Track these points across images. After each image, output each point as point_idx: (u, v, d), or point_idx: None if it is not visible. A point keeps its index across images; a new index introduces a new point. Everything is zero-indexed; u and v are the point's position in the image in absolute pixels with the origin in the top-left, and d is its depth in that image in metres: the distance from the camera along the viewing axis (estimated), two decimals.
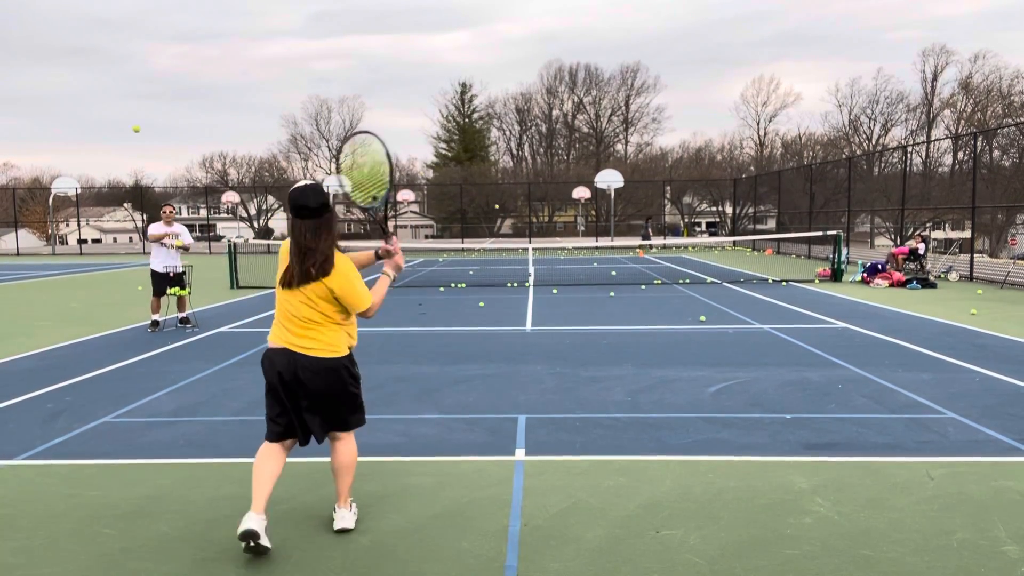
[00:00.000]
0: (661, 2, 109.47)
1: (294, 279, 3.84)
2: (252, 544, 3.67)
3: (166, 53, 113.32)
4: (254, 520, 3.67)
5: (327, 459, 5.19)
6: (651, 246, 35.74)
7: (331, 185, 43.59)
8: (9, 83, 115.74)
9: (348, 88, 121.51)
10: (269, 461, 3.90)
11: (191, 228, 73.73)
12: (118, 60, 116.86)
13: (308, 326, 3.88)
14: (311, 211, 3.80)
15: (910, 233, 30.07)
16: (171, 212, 11.41)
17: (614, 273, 21.76)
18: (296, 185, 3.88)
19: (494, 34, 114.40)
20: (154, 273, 11.27)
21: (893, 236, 21.77)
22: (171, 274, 11.26)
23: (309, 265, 3.80)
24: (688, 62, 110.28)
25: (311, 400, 3.89)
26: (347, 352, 3.99)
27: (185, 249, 11.35)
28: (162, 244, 11.19)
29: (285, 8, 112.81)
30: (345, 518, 4.07)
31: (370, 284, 3.98)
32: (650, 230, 38.30)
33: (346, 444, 4.06)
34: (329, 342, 3.90)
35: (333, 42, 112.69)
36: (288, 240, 3.90)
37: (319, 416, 3.94)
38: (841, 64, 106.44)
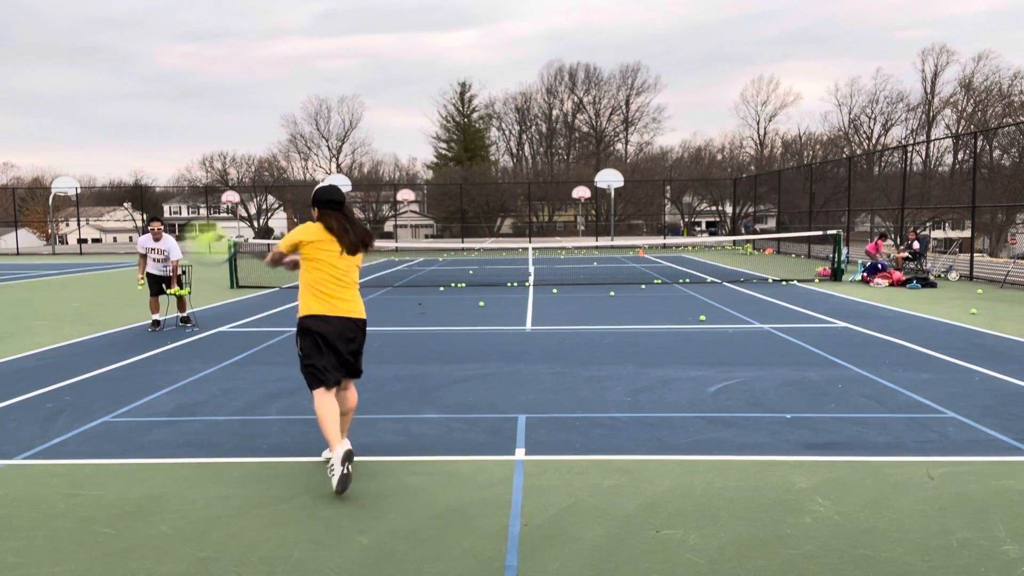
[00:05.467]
0: (670, 0, 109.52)
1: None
2: (348, 471, 4.51)
3: (173, 52, 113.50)
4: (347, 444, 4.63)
5: (326, 458, 5.17)
6: (752, 242, 35.12)
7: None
8: (11, 82, 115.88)
9: (354, 87, 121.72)
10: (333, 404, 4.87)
11: (191, 228, 73.77)
12: (124, 59, 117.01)
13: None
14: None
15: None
16: (159, 229, 11.26)
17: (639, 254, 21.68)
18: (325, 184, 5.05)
19: (501, 33, 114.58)
20: (148, 275, 11.30)
21: (894, 236, 21.76)
22: (169, 275, 11.28)
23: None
24: (695, 60, 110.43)
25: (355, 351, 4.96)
26: None
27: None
28: (154, 261, 11.20)
29: (292, 7, 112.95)
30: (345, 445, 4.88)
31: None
32: (755, 226, 38.15)
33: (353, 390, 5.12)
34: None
35: (340, 41, 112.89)
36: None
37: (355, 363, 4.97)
38: (848, 63, 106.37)
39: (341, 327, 4.82)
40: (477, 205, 59.52)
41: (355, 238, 4.90)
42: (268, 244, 40.78)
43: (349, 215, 4.97)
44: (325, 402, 4.75)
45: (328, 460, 4.70)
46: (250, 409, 6.59)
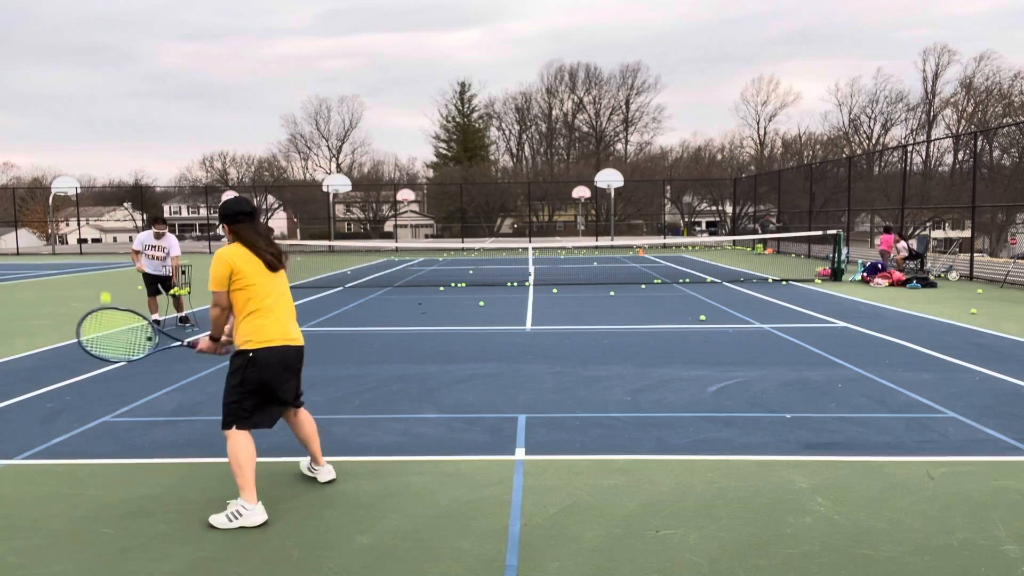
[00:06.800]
0: (670, 0, 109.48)
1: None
2: None
3: (173, 52, 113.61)
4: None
5: (328, 458, 5.15)
6: (764, 241, 34.87)
7: (331, 184, 43.66)
8: (11, 83, 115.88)
9: (355, 87, 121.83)
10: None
11: (191, 228, 73.89)
12: (125, 59, 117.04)
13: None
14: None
15: (909, 233, 30.06)
16: (163, 228, 11.36)
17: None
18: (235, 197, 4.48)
19: (502, 32, 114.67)
20: (145, 274, 11.35)
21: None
22: (169, 276, 11.30)
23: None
24: (695, 60, 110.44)
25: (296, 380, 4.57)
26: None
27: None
28: (153, 258, 11.21)
29: (293, 7, 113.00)
30: (331, 471, 4.78)
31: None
32: (771, 224, 37.48)
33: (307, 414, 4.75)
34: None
35: (342, 41, 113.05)
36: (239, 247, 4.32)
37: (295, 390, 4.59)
38: (848, 63, 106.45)
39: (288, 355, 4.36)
40: (477, 205, 59.52)
41: (273, 252, 4.34)
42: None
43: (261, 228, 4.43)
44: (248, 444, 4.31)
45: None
46: None
